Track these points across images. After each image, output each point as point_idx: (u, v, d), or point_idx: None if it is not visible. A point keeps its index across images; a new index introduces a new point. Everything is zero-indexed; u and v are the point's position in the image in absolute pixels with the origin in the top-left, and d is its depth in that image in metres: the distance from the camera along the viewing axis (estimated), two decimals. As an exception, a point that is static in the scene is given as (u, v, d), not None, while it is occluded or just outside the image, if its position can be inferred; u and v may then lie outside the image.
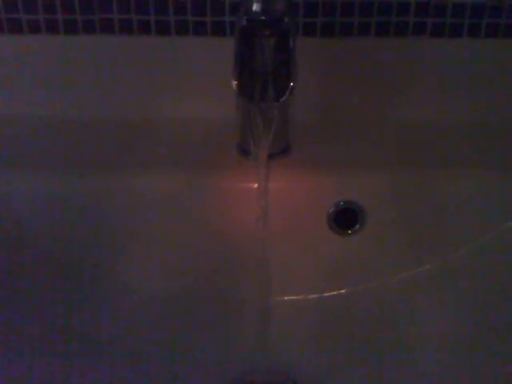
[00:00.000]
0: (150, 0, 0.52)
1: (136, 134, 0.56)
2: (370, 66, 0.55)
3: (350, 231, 0.50)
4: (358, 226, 0.50)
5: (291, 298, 0.51)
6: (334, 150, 0.53)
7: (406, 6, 0.53)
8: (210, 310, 0.50)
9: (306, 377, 0.46)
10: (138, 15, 0.53)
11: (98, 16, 0.53)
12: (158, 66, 0.55)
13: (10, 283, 0.49)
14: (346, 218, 0.50)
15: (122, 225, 0.50)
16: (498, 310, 0.48)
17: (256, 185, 0.49)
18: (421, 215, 0.51)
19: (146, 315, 0.50)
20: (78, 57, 0.55)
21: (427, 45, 0.55)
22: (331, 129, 0.56)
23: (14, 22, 0.54)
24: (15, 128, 0.56)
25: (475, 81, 0.56)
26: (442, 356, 0.47)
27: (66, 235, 0.50)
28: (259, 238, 0.49)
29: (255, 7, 0.44)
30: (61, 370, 0.47)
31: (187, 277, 0.50)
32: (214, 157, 0.52)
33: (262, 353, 0.44)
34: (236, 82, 0.42)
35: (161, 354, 0.48)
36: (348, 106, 0.57)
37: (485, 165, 0.52)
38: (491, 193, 0.50)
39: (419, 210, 0.51)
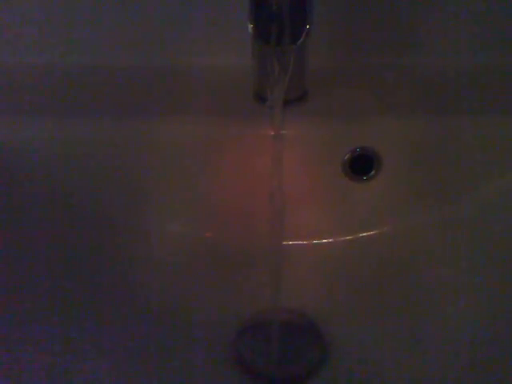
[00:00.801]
0: None
1: (152, 82, 0.56)
2: (389, 10, 0.54)
3: (365, 177, 0.51)
4: (373, 173, 0.50)
5: (305, 242, 0.52)
6: (352, 96, 0.53)
7: None
8: (222, 255, 0.52)
9: (319, 317, 0.47)
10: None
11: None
12: (172, 12, 0.55)
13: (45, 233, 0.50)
14: (361, 165, 0.51)
15: (144, 170, 0.51)
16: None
17: (272, 131, 0.50)
18: (436, 162, 0.51)
19: (165, 261, 0.52)
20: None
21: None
22: (348, 75, 0.56)
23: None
24: (33, 75, 0.56)
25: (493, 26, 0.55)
26: (455, 297, 0.48)
27: (94, 182, 0.51)
28: (274, 184, 0.50)
29: None
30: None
31: (201, 220, 0.52)
32: (230, 104, 0.53)
33: (275, 294, 0.46)
34: (252, 26, 0.42)
35: (175, 299, 0.50)
36: (365, 50, 0.56)
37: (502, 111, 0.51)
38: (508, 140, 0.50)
39: (434, 158, 0.51)
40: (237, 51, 0.53)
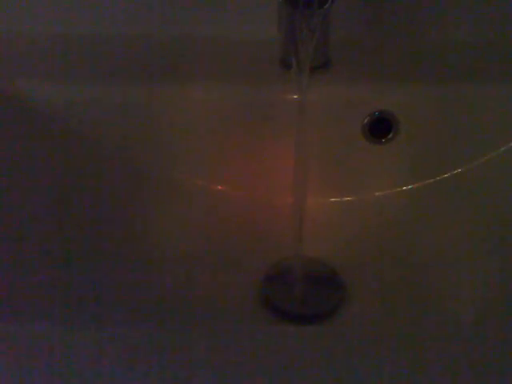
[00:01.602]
0: None
1: (178, 50, 0.59)
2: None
3: (383, 140, 0.54)
4: (391, 135, 0.54)
5: (326, 200, 0.56)
6: (373, 64, 0.56)
7: None
8: (245, 210, 0.56)
9: (339, 266, 0.51)
10: None
11: None
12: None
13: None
14: (380, 128, 0.54)
15: (173, 133, 0.55)
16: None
17: (296, 96, 0.53)
18: (451, 127, 0.54)
19: (192, 215, 0.56)
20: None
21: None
22: (372, 44, 0.59)
23: None
24: (53, 43, 0.59)
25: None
26: (462, 253, 0.52)
27: (125, 141, 0.56)
28: (298, 144, 0.53)
29: None
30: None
31: (228, 176, 0.56)
32: (257, 70, 0.56)
33: (297, 244, 0.50)
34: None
35: (203, 247, 0.54)
36: (389, 22, 0.59)
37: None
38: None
39: (450, 123, 0.54)
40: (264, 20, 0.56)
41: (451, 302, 0.50)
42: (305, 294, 0.49)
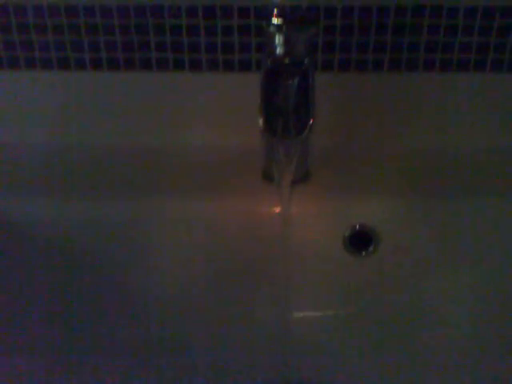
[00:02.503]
0: (185, 40, 0.58)
1: (161, 160, 0.60)
2: (383, 98, 0.60)
3: (364, 253, 0.55)
4: (371, 248, 0.55)
5: (308, 314, 0.56)
6: (350, 176, 0.58)
7: (416, 45, 0.58)
8: (230, 325, 0.55)
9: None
10: (173, 53, 0.59)
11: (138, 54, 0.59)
12: (186, 98, 0.61)
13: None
14: (360, 241, 0.55)
15: (152, 242, 0.55)
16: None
17: (278, 209, 0.54)
18: (430, 240, 0.55)
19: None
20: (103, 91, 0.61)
21: (436, 79, 0.60)
22: (348, 156, 0.61)
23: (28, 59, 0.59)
24: (37, 155, 0.61)
25: (480, 112, 0.61)
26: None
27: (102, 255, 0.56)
28: (279, 258, 0.54)
29: (279, 50, 0.49)
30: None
31: (210, 290, 0.55)
32: (239, 182, 0.58)
33: (280, 366, 0.49)
34: (261, 119, 0.47)
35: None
36: (363, 134, 0.62)
37: (491, 192, 0.56)
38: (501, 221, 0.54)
39: (429, 235, 0.55)
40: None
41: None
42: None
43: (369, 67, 0.59)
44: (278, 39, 0.47)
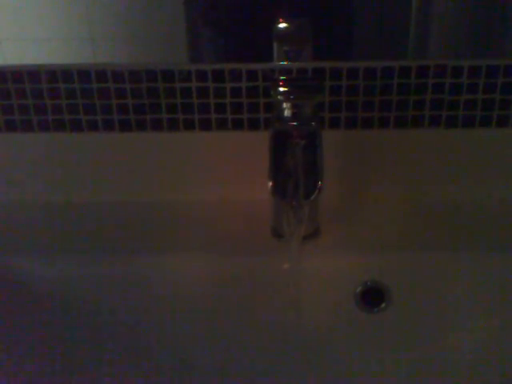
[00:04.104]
0: (195, 103, 0.60)
1: (169, 215, 0.61)
2: (390, 154, 0.61)
3: (376, 309, 0.55)
4: (384, 305, 0.54)
5: (322, 371, 0.55)
6: (359, 231, 0.58)
7: (422, 102, 0.59)
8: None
9: None
10: (183, 115, 0.61)
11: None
12: (193, 155, 0.62)
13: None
14: (372, 297, 0.55)
15: (156, 298, 0.55)
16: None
17: (288, 265, 0.55)
18: (444, 296, 0.55)
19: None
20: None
21: (442, 135, 0.60)
22: (356, 210, 0.61)
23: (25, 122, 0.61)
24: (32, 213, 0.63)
25: (485, 167, 0.61)
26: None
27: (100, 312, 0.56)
28: (291, 314, 0.54)
29: (286, 113, 0.51)
30: None
31: (216, 349, 0.55)
32: (249, 238, 0.58)
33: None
34: (271, 183, 0.48)
35: None
36: (370, 189, 0.63)
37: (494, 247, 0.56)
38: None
39: (442, 291, 0.55)
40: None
41: None
42: None
43: (375, 124, 0.60)
44: (285, 105, 0.48)
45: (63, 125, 0.61)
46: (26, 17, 0.58)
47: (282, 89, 0.47)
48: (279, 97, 0.47)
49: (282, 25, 0.57)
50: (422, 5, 0.57)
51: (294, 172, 0.48)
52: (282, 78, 0.50)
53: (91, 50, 0.58)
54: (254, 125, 0.61)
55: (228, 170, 0.62)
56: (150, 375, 0.55)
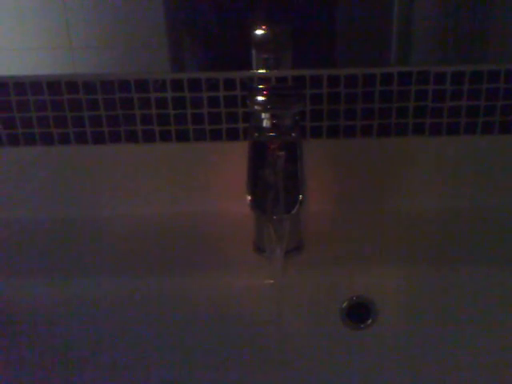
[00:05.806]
0: (171, 113, 0.58)
1: (156, 230, 0.59)
2: (372, 163, 0.59)
3: (362, 325, 0.53)
4: (370, 321, 0.52)
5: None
6: (343, 244, 0.56)
7: (405, 110, 0.58)
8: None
9: None
10: (159, 126, 0.59)
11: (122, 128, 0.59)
12: (183, 167, 0.60)
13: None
14: (358, 313, 0.53)
15: (144, 320, 0.53)
16: None
17: (271, 281, 0.52)
18: (430, 310, 0.53)
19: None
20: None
21: (426, 143, 0.59)
22: (340, 222, 0.59)
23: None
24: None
25: (470, 174, 0.60)
26: None
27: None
28: (274, 331, 0.51)
29: (265, 123, 0.49)
30: None
31: (202, 368, 0.53)
32: (229, 252, 0.56)
33: None
34: (250, 197, 0.46)
35: None
36: (353, 200, 0.61)
37: (484, 259, 0.54)
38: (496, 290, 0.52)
39: (429, 305, 0.53)
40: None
41: None
42: None
43: (357, 133, 0.58)
44: (264, 115, 0.46)
45: (33, 139, 0.59)
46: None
47: (259, 98, 0.44)
48: (256, 107, 0.45)
49: (261, 31, 0.56)
50: (404, 11, 0.56)
51: (274, 185, 0.46)
52: (259, 86, 0.48)
53: (70, 60, 0.56)
54: (232, 135, 0.59)
55: (207, 181, 0.60)
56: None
